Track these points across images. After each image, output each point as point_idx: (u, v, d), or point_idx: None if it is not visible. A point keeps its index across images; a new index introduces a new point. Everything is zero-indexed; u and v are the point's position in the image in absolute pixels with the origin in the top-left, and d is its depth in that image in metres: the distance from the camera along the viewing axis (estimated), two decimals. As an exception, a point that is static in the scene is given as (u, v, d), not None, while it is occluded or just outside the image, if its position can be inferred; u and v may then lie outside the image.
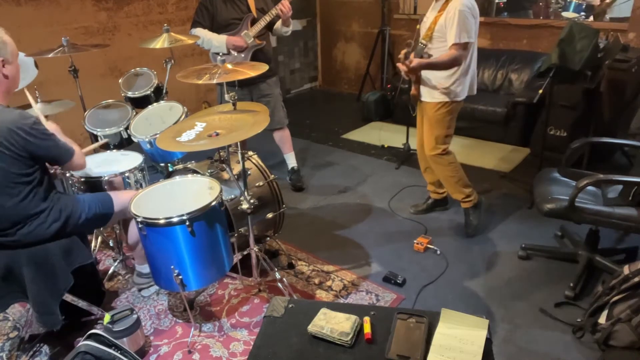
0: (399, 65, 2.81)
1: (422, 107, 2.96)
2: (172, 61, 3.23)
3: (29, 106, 2.68)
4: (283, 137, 3.72)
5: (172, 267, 2.13)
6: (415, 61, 2.66)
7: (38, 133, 1.89)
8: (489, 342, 1.43)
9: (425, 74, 2.80)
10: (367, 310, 1.59)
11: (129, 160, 2.66)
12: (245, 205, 2.34)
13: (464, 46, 2.62)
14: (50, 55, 2.79)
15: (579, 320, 2.23)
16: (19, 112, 1.90)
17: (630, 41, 4.04)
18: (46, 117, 2.58)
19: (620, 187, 2.42)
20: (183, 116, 2.77)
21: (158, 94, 3.16)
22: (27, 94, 2.31)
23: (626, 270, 2.05)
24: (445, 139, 2.90)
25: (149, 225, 2.09)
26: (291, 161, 3.82)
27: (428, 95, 2.85)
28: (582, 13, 4.31)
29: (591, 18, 4.27)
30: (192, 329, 2.34)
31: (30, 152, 1.88)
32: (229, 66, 2.38)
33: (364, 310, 1.59)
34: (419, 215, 3.31)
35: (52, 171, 2.23)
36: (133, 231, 2.41)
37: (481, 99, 4.24)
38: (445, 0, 2.64)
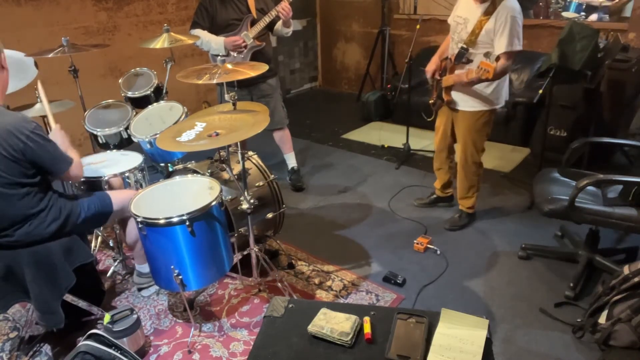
0: (446, 79, 2.71)
1: (456, 115, 2.88)
2: (172, 61, 3.23)
3: (30, 106, 2.70)
4: (283, 137, 3.72)
5: (172, 267, 2.14)
6: (473, 77, 2.49)
7: (38, 138, 1.87)
8: (489, 342, 1.43)
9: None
10: (367, 310, 1.59)
11: (129, 160, 2.66)
12: (245, 205, 2.34)
13: (515, 54, 2.55)
14: (50, 55, 2.79)
15: (579, 320, 2.23)
16: (20, 116, 1.89)
17: (630, 41, 4.04)
18: (44, 117, 2.59)
19: (620, 187, 2.42)
20: (183, 116, 2.77)
21: (158, 94, 3.16)
22: (40, 89, 2.30)
23: (626, 270, 2.05)
24: (482, 146, 2.89)
25: (149, 225, 2.09)
26: (291, 161, 3.82)
27: (466, 104, 2.77)
28: (582, 13, 4.31)
29: (592, 17, 4.27)
30: (192, 329, 2.34)
31: (28, 156, 1.87)
32: (229, 66, 2.38)
33: (364, 310, 1.59)
34: (419, 215, 3.31)
35: None
36: (131, 231, 2.41)
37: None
38: (491, 3, 2.54)
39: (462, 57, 2.66)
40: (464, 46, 2.63)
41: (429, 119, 3.09)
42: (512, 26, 2.49)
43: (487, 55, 2.49)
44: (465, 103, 2.78)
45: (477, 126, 2.81)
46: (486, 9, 2.55)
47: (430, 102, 2.99)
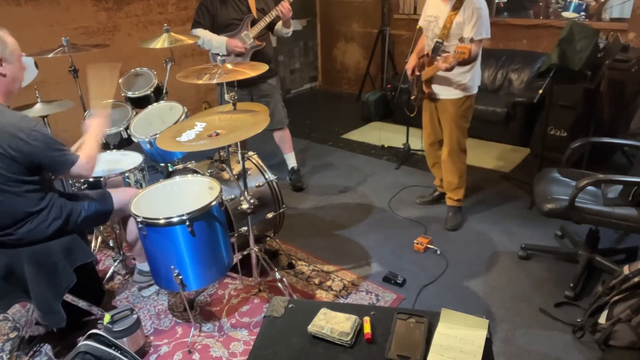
0: (425, 72, 2.87)
1: (439, 106, 3.00)
2: (172, 61, 3.23)
3: (30, 106, 2.70)
4: (283, 137, 3.72)
5: (172, 267, 2.14)
6: (451, 61, 2.64)
7: (39, 136, 1.86)
8: (489, 342, 1.43)
9: (443, 73, 2.81)
10: (367, 310, 1.59)
11: (129, 160, 2.67)
12: (245, 205, 2.34)
13: (481, 42, 2.73)
14: (50, 55, 2.79)
15: (579, 320, 2.23)
16: (20, 115, 1.90)
17: (630, 41, 4.04)
18: (44, 117, 2.58)
19: (620, 187, 2.42)
20: (183, 116, 2.78)
21: (158, 94, 3.16)
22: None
23: (626, 270, 2.05)
24: (466, 131, 3.01)
25: (149, 225, 2.09)
26: (291, 161, 3.82)
27: (448, 93, 2.91)
28: (582, 13, 4.31)
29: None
30: (192, 329, 2.34)
31: (29, 155, 1.86)
32: (229, 66, 2.38)
33: (364, 310, 1.59)
34: (419, 215, 3.31)
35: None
36: (132, 229, 2.41)
37: (481, 99, 4.20)
38: (457, 0, 2.70)
39: (439, 50, 2.81)
40: (439, 40, 2.80)
41: (411, 115, 3.21)
42: (478, 17, 2.67)
43: (461, 40, 2.70)
44: (446, 92, 2.91)
45: (461, 112, 2.93)
46: (453, 5, 2.72)
47: (412, 97, 3.12)
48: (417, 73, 2.98)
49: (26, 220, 1.94)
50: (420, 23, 2.98)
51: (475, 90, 2.92)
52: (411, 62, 3.02)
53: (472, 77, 2.85)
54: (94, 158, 2.06)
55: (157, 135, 2.54)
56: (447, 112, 2.96)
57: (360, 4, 5.92)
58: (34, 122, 1.88)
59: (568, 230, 2.91)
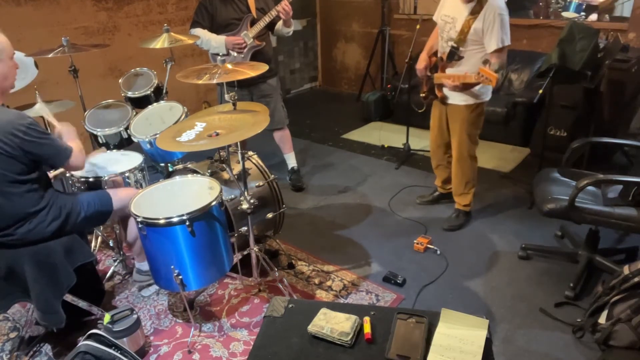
0: (448, 81, 2.74)
1: (449, 110, 2.95)
2: (172, 61, 3.23)
3: (30, 106, 2.70)
4: (283, 137, 3.72)
5: (172, 267, 2.14)
6: (472, 82, 2.58)
7: (35, 133, 1.88)
8: (489, 342, 1.43)
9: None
10: (367, 310, 1.59)
11: (129, 160, 2.67)
12: (245, 205, 2.34)
13: (506, 48, 2.64)
14: (50, 55, 2.79)
15: (579, 320, 2.23)
16: (15, 112, 1.91)
17: (630, 41, 4.04)
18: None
19: (620, 187, 2.42)
20: (183, 116, 2.77)
21: (158, 94, 3.16)
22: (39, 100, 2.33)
23: (626, 270, 2.05)
24: (477, 138, 2.95)
25: (149, 225, 2.09)
26: (291, 161, 3.82)
27: (460, 99, 2.84)
28: (582, 13, 4.31)
29: (592, 17, 4.27)
30: (192, 329, 2.34)
31: (27, 152, 1.88)
32: (229, 66, 2.38)
33: (364, 310, 1.59)
34: (419, 215, 3.31)
35: (50, 174, 2.23)
36: (132, 228, 2.41)
37: (481, 99, 4.24)
38: (477, 2, 2.60)
39: (454, 56, 2.75)
40: (455, 45, 2.72)
41: (420, 111, 3.20)
42: (500, 24, 2.57)
43: (486, 62, 2.59)
44: (459, 97, 2.85)
45: (472, 118, 2.86)
46: (472, 9, 2.63)
47: (421, 95, 3.07)
48: (429, 74, 2.92)
49: (26, 221, 1.95)
50: (435, 19, 2.89)
51: (487, 97, 2.84)
52: (422, 61, 2.95)
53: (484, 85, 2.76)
54: (82, 149, 2.12)
55: (157, 135, 2.54)
56: (457, 118, 2.89)
57: (360, 4, 5.92)
58: (29, 119, 1.89)
59: (568, 230, 2.91)
